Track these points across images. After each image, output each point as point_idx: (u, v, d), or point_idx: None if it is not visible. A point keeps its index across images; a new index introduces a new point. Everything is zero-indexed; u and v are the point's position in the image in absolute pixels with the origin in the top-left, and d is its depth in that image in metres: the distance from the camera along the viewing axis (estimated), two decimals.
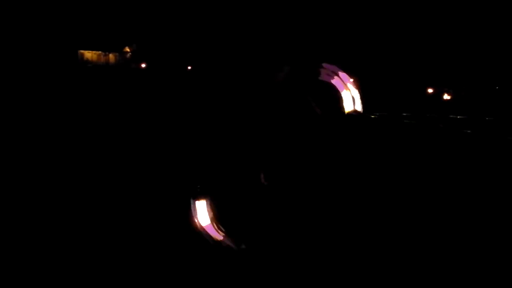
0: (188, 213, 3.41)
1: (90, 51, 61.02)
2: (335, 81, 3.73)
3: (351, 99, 3.66)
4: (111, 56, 61.32)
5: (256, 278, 3.23)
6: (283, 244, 3.60)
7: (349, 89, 3.73)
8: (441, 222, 4.23)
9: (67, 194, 4.44)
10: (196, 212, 3.32)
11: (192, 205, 3.36)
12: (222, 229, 3.36)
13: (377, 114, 16.49)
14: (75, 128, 8.35)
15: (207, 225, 3.34)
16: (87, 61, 57.29)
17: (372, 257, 3.41)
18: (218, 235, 3.35)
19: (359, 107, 3.58)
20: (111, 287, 2.85)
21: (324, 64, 3.69)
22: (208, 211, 3.33)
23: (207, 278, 3.03)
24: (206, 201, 3.36)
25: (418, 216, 4.39)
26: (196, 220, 3.31)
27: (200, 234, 3.35)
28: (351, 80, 3.85)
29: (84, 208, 4.12)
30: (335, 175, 6.05)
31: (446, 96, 39.57)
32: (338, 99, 3.62)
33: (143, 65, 53.89)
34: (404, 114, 17.06)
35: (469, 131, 11.98)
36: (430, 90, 41.87)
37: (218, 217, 3.35)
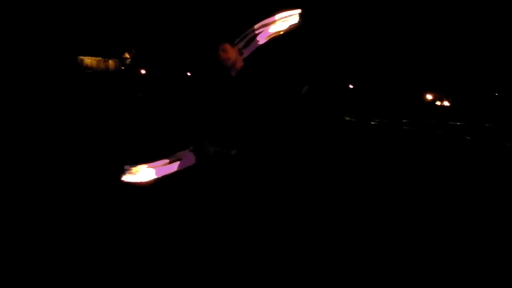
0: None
1: (90, 57, 61.09)
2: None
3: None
4: (110, 62, 61.39)
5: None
6: None
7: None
8: (440, 226, 4.24)
9: (66, 193, 4.45)
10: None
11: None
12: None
13: (377, 120, 16.54)
14: (75, 132, 8.37)
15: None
16: (87, 67, 57.38)
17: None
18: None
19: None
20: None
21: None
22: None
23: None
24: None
25: (416, 220, 4.39)
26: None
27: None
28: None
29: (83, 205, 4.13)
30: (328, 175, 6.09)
31: (445, 103, 39.70)
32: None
33: (143, 71, 54.03)
34: (404, 120, 17.09)
35: (468, 138, 12.00)
36: (429, 97, 42.03)
37: None
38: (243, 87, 3.26)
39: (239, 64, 3.30)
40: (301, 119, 3.48)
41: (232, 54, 3.26)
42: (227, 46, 3.25)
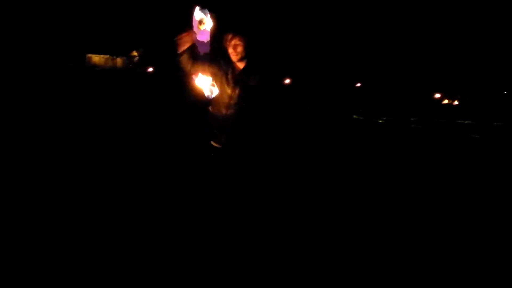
0: None
1: (97, 55, 61.35)
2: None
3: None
4: (118, 60, 61.62)
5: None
6: None
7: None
8: (447, 224, 4.23)
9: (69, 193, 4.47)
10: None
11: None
12: None
13: (384, 118, 16.49)
14: (81, 130, 8.41)
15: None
16: (95, 65, 57.63)
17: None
18: None
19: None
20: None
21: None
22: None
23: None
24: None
25: (424, 218, 4.39)
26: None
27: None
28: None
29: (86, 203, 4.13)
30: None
31: (453, 101, 39.45)
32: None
33: (150, 69, 54.24)
34: (411, 119, 17.04)
35: (477, 136, 11.95)
36: (437, 95, 41.76)
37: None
38: (246, 74, 3.30)
39: (243, 55, 3.31)
40: (309, 117, 3.49)
41: (242, 45, 3.29)
42: (241, 39, 3.28)
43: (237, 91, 3.31)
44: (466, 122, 17.07)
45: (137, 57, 61.61)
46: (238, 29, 3.32)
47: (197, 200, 3.60)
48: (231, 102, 3.32)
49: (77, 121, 9.80)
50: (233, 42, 3.30)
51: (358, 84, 47.02)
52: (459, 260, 3.44)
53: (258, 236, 3.50)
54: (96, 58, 60.26)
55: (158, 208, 4.16)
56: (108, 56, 60.79)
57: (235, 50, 3.30)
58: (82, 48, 58.07)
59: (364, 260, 3.36)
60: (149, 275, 2.94)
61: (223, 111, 3.33)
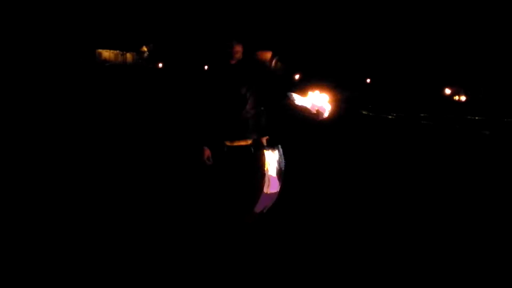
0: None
1: (107, 50, 61.54)
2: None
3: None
4: (128, 55, 61.76)
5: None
6: None
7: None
8: (455, 220, 4.26)
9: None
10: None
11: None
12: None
13: (395, 114, 16.46)
14: (91, 125, 8.45)
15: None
16: (105, 60, 57.82)
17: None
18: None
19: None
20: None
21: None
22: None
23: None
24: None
25: (433, 214, 4.42)
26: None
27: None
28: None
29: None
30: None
31: (464, 97, 39.17)
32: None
33: (160, 65, 54.34)
34: (421, 115, 16.98)
35: (487, 132, 11.90)
36: (447, 91, 41.46)
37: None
38: (243, 74, 3.35)
39: (240, 56, 3.39)
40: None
41: (240, 49, 3.37)
42: (239, 43, 3.36)
43: (247, 93, 3.33)
44: (477, 118, 16.99)
45: (147, 52, 61.72)
46: (235, 34, 3.39)
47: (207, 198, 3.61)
48: (244, 104, 3.33)
49: (87, 115, 9.89)
50: (231, 46, 3.36)
51: (368, 80, 46.78)
52: (470, 257, 3.48)
53: (263, 234, 3.50)
54: (106, 53, 60.43)
55: (167, 206, 4.16)
56: (117, 51, 60.93)
57: (234, 56, 3.36)
58: (92, 43, 58.25)
59: (370, 255, 3.40)
60: (150, 275, 2.96)
61: (239, 114, 3.34)
